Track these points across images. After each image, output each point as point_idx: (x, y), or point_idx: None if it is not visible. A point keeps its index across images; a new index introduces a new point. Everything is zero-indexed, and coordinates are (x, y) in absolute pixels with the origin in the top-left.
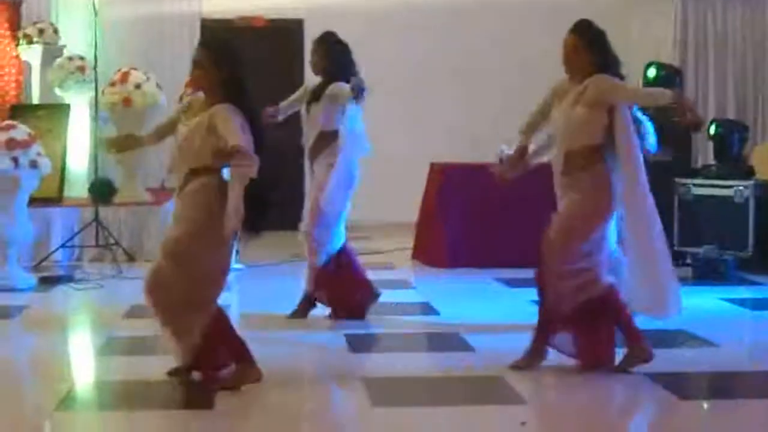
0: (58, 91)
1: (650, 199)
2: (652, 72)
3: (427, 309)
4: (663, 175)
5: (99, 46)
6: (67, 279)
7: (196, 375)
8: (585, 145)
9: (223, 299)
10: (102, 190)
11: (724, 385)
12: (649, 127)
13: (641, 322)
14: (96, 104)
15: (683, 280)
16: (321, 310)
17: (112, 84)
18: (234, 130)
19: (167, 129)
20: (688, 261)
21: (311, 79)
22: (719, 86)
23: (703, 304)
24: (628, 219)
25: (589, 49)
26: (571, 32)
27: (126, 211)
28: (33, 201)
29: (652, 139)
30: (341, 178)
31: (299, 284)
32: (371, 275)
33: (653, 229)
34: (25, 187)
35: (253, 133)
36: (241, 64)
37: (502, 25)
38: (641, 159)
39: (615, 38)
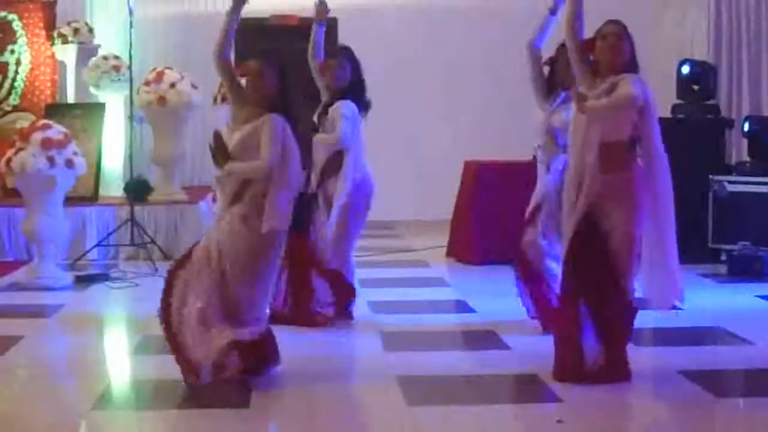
0: (93, 91)
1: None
2: (686, 69)
3: (463, 307)
4: (697, 172)
5: (134, 46)
6: (102, 278)
7: None
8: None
9: None
10: (137, 189)
11: (760, 383)
12: None
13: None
14: (131, 103)
15: (718, 277)
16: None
17: (147, 83)
18: (268, 143)
19: None
20: (723, 258)
21: None
22: (753, 82)
23: (738, 301)
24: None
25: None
26: (618, 24)
27: (161, 210)
28: (68, 200)
29: None
30: None
31: None
32: (405, 273)
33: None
34: (61, 186)
35: (297, 143)
36: (289, 78)
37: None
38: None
39: (648, 33)
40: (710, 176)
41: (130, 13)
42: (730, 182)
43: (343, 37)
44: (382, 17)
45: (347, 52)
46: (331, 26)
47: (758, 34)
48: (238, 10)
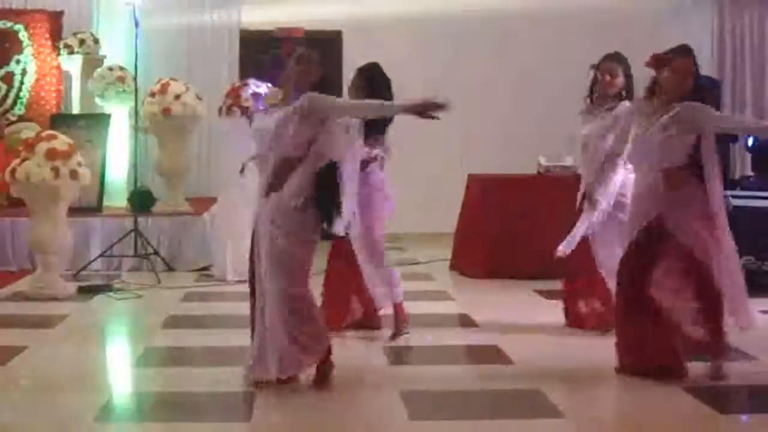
0: (98, 101)
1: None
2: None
3: (466, 321)
4: None
5: (139, 57)
6: (106, 288)
7: None
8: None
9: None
10: (141, 200)
11: (763, 399)
12: None
13: None
14: (136, 114)
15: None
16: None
17: (152, 94)
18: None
19: None
20: None
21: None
22: (757, 96)
23: None
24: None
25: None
26: (688, 55)
27: (165, 221)
28: (72, 210)
29: None
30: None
31: None
32: (409, 286)
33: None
34: (65, 196)
35: None
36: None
37: (541, 37)
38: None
39: (653, 48)
40: None
41: (136, 24)
42: (734, 197)
43: (347, 51)
44: (386, 31)
45: (361, 72)
46: (335, 40)
47: (761, 48)
48: None
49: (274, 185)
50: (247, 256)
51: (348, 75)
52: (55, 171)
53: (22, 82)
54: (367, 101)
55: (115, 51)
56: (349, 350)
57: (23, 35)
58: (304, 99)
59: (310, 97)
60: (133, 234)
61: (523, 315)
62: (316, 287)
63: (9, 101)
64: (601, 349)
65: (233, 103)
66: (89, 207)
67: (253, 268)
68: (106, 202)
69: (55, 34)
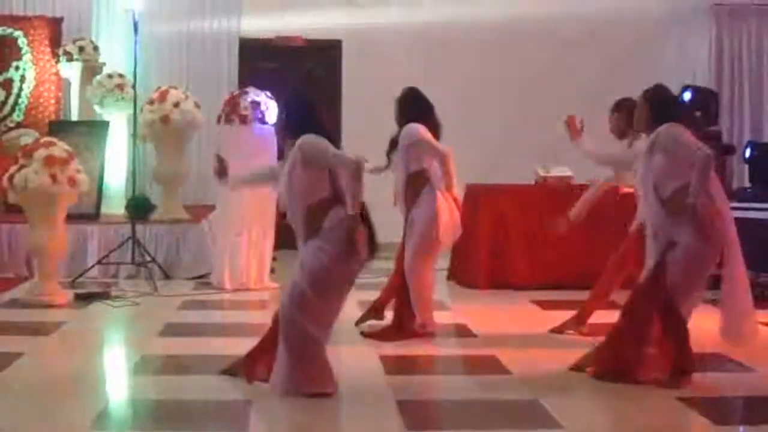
0: (97, 108)
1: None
2: (687, 95)
3: (464, 331)
4: None
5: (138, 64)
6: (103, 296)
7: None
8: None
9: (259, 318)
10: (139, 207)
11: (760, 411)
12: None
13: None
14: (135, 122)
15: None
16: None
17: (151, 102)
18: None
19: None
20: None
21: (348, 99)
22: (755, 108)
23: None
24: None
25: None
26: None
27: (163, 229)
28: (70, 217)
29: None
30: None
31: None
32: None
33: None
34: (63, 203)
35: None
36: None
37: (540, 48)
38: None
39: (651, 60)
40: None
41: (135, 31)
42: (731, 208)
43: (347, 60)
44: (385, 41)
45: (399, 97)
46: (334, 48)
47: (759, 60)
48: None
49: (310, 233)
50: (244, 264)
51: (347, 84)
52: (53, 178)
53: (20, 89)
54: None
55: (115, 58)
56: (345, 359)
57: (22, 41)
58: (298, 148)
59: (301, 147)
60: (130, 241)
61: (521, 325)
62: None
63: (7, 108)
64: None
65: (232, 112)
66: (87, 214)
67: None
68: (104, 210)
69: (55, 41)
